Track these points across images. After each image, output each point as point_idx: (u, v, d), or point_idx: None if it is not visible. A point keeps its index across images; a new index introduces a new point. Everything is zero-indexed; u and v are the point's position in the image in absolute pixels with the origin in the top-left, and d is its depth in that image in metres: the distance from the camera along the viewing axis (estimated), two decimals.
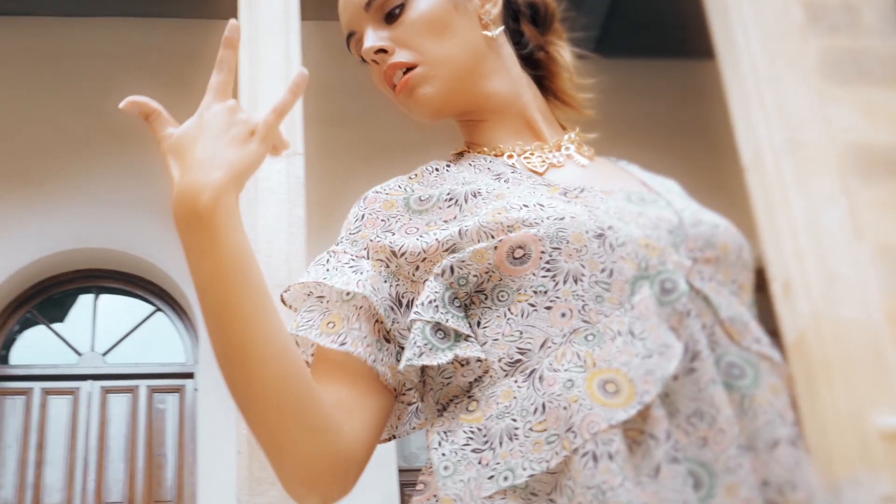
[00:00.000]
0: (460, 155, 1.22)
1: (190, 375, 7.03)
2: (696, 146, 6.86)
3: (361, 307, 1.05)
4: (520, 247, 0.98)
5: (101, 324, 7.21)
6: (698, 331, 0.94)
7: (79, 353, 7.04)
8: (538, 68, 1.28)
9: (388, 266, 1.07)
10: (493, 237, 0.99)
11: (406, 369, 1.00)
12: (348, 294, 1.05)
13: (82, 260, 6.87)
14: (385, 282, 1.06)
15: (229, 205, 0.94)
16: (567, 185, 1.08)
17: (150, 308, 7.36)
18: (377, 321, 1.05)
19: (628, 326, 0.94)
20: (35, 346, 7.06)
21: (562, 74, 1.28)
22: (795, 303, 3.85)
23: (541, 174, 1.14)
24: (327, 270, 1.08)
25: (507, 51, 1.23)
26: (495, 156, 1.18)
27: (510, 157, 1.17)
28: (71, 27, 7.26)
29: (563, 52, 1.28)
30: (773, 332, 3.95)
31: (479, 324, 1.01)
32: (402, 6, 1.16)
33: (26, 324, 7.10)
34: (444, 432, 0.98)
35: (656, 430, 0.88)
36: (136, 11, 7.10)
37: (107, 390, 6.86)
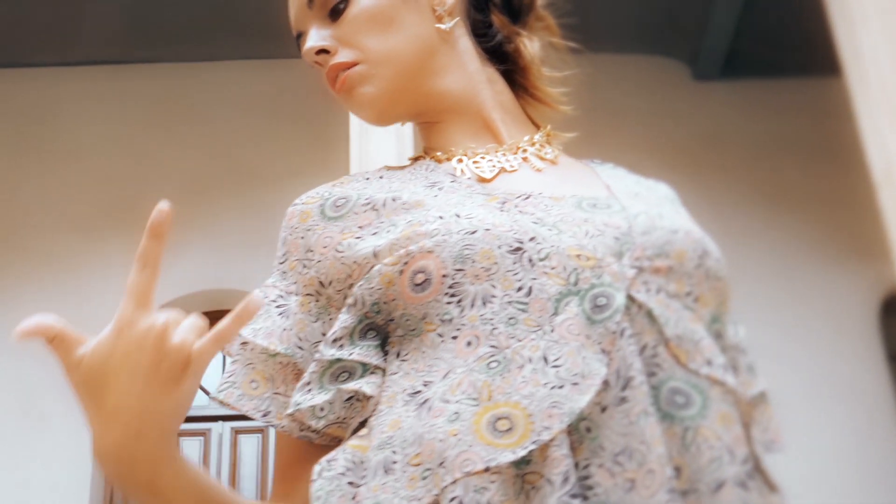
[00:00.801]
0: (415, 161, 1.10)
1: None
2: (826, 164, 6.65)
3: (287, 365, 0.96)
4: (420, 272, 0.86)
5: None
6: (632, 353, 0.81)
7: (209, 395, 7.11)
8: (507, 62, 1.15)
9: (317, 300, 0.97)
10: (399, 251, 0.88)
11: (298, 414, 0.92)
12: (272, 352, 0.96)
13: (210, 301, 6.95)
14: (316, 320, 0.97)
15: (171, 463, 0.84)
16: (511, 193, 0.97)
17: None
18: None
19: (542, 352, 0.81)
20: None
21: (531, 68, 1.15)
22: None
23: (489, 180, 1.02)
24: None
25: (465, 44, 1.12)
26: (446, 160, 1.06)
27: (459, 161, 1.05)
28: (197, 72, 7.45)
29: (530, 44, 1.15)
30: None
31: (398, 354, 0.90)
32: (346, 1, 1.06)
33: None
34: (328, 461, 0.87)
35: (552, 474, 0.75)
36: (258, 54, 7.20)
37: (237, 431, 6.91)
